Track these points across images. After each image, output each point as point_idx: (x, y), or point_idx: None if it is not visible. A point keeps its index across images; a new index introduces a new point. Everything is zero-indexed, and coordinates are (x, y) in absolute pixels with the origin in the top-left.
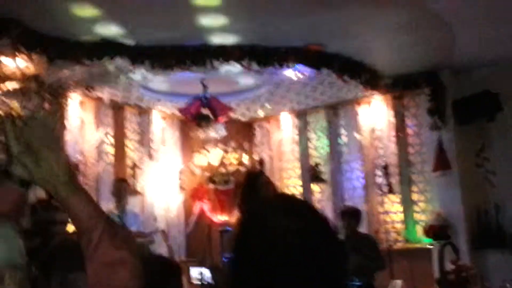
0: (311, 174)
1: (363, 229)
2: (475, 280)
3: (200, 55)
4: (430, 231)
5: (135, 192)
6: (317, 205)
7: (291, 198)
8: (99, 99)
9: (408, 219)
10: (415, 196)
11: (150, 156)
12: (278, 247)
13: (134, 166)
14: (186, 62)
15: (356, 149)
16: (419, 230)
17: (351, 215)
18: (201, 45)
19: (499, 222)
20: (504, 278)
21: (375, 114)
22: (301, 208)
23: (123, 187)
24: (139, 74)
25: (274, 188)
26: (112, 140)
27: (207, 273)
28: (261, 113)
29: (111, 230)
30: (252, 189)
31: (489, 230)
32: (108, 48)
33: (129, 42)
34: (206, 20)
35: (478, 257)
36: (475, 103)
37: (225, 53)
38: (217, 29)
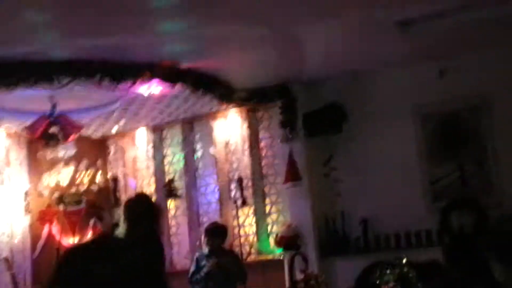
0: (166, 190)
1: None
2: (322, 287)
3: (46, 71)
4: (281, 241)
5: None
6: (173, 221)
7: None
8: None
9: (261, 231)
10: (267, 208)
11: None
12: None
13: None
14: (31, 79)
15: (211, 164)
16: (271, 241)
17: (215, 232)
18: (46, 61)
19: (344, 230)
20: (350, 283)
21: (230, 128)
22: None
23: None
24: None
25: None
26: None
27: None
28: (114, 130)
29: None
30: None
31: (336, 238)
32: None
33: None
34: (46, 36)
35: (326, 264)
36: (323, 115)
37: (73, 69)
38: (58, 44)
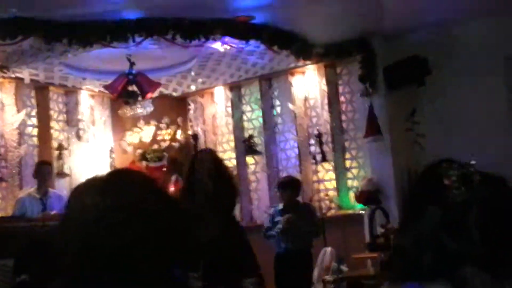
0: (246, 147)
1: (299, 198)
2: None
3: (120, 30)
4: (362, 196)
5: (61, 174)
6: (252, 177)
7: (119, 173)
8: (19, 80)
9: (341, 186)
10: (348, 163)
11: (79, 137)
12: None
13: (61, 148)
14: (106, 38)
15: (290, 119)
16: (351, 196)
17: (288, 185)
18: (121, 20)
19: None
20: None
21: (308, 84)
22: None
23: (45, 170)
24: (59, 52)
25: (217, 165)
26: (36, 122)
27: None
28: (193, 88)
29: None
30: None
31: None
32: (21, 25)
33: (44, 18)
34: None
35: None
36: (405, 68)
37: (147, 27)
38: (131, 3)
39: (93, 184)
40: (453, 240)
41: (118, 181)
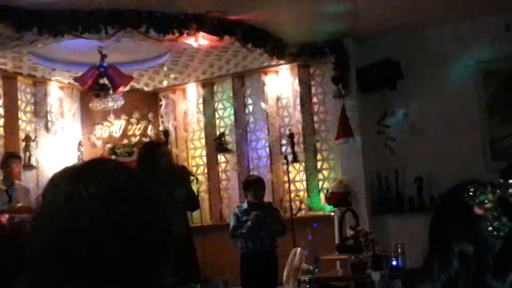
0: (217, 144)
1: (269, 198)
2: (373, 244)
3: (93, 20)
4: (332, 198)
5: (28, 166)
6: (223, 175)
7: (97, 162)
8: None
9: (312, 187)
10: (319, 164)
11: (47, 128)
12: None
13: (28, 139)
14: (78, 28)
15: (262, 118)
16: (322, 198)
17: (253, 184)
18: (93, 11)
19: (398, 188)
20: (402, 242)
21: (281, 83)
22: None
23: (11, 161)
24: (28, 41)
25: (170, 159)
26: (2, 112)
27: None
28: (165, 83)
29: None
30: (149, 160)
31: (389, 196)
32: None
33: (14, 6)
34: None
35: (378, 222)
36: (378, 71)
37: (120, 19)
38: None
39: (72, 172)
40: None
41: (98, 169)
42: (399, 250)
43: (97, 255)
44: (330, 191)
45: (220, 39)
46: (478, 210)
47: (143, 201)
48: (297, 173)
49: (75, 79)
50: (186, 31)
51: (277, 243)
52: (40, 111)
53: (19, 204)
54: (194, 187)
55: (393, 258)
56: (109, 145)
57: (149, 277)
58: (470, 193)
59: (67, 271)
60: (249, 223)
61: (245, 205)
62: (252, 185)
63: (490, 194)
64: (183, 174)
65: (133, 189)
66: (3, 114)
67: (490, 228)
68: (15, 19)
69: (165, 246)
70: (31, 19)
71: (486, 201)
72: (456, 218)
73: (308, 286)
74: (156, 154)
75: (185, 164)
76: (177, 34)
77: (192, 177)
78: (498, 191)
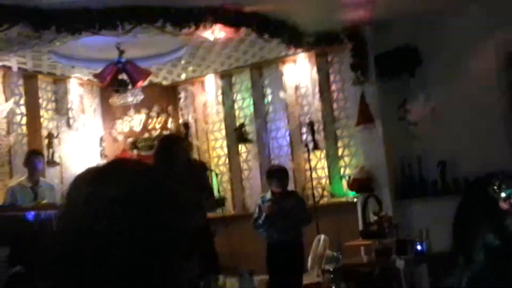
0: (237, 135)
1: (291, 186)
2: (396, 229)
3: (109, 17)
4: (354, 184)
5: (52, 163)
6: (244, 165)
7: (113, 164)
8: (6, 68)
9: (334, 174)
10: (340, 151)
11: (69, 125)
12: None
13: (51, 136)
14: (95, 26)
15: (281, 108)
16: (344, 184)
17: (276, 174)
18: (109, 7)
19: (421, 173)
20: (426, 226)
21: (299, 72)
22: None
23: (35, 158)
24: (47, 40)
25: (189, 154)
26: (24, 111)
27: None
28: (183, 76)
29: None
30: (166, 154)
31: (412, 181)
32: (9, 13)
33: (32, 6)
34: None
35: (401, 207)
36: (396, 57)
37: (136, 15)
38: None
39: (93, 174)
40: None
41: (118, 170)
42: (424, 234)
43: (108, 256)
44: (352, 177)
45: (236, 31)
46: (504, 205)
47: (161, 203)
48: (318, 161)
49: (95, 75)
50: (202, 24)
51: (302, 232)
52: (61, 108)
53: (44, 201)
54: (215, 181)
55: (418, 243)
56: (130, 139)
57: (163, 274)
58: (495, 187)
59: (76, 272)
60: (264, 213)
61: (268, 195)
62: (274, 174)
63: None
64: (201, 173)
65: (152, 190)
66: (25, 113)
67: None
68: (33, 19)
69: (183, 244)
70: (49, 18)
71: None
72: (482, 212)
73: (331, 276)
74: (173, 149)
75: (207, 155)
76: (193, 28)
77: (211, 172)
78: None
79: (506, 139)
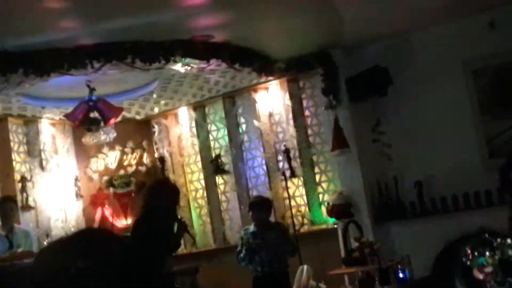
0: (213, 167)
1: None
2: (377, 257)
3: (78, 57)
4: (334, 210)
5: (26, 207)
6: (222, 197)
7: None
8: None
9: (313, 201)
10: (317, 177)
11: (42, 167)
12: None
13: (24, 180)
14: (64, 66)
15: (256, 136)
16: (324, 211)
17: (260, 206)
18: (77, 46)
19: (398, 194)
20: (408, 249)
21: (272, 99)
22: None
23: (8, 206)
24: (15, 83)
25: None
26: None
27: None
28: (156, 110)
29: None
30: (155, 198)
31: (389, 203)
32: None
33: None
34: (71, 22)
35: (382, 231)
36: (367, 79)
37: (105, 53)
38: (85, 30)
39: (60, 247)
40: None
41: (85, 241)
42: (405, 261)
43: None
44: (331, 203)
45: (207, 62)
46: (478, 274)
47: (132, 268)
48: (296, 188)
49: (66, 116)
50: (172, 58)
51: (288, 263)
52: (33, 150)
53: (20, 250)
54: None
55: (400, 271)
56: (106, 178)
57: None
58: (468, 255)
59: None
60: (245, 247)
61: (251, 228)
62: (253, 207)
63: (490, 258)
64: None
65: (121, 258)
66: None
67: None
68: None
69: None
70: (16, 61)
71: (486, 265)
72: (457, 278)
73: None
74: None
75: (184, 189)
76: (163, 62)
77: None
78: (499, 252)
79: (479, 155)
